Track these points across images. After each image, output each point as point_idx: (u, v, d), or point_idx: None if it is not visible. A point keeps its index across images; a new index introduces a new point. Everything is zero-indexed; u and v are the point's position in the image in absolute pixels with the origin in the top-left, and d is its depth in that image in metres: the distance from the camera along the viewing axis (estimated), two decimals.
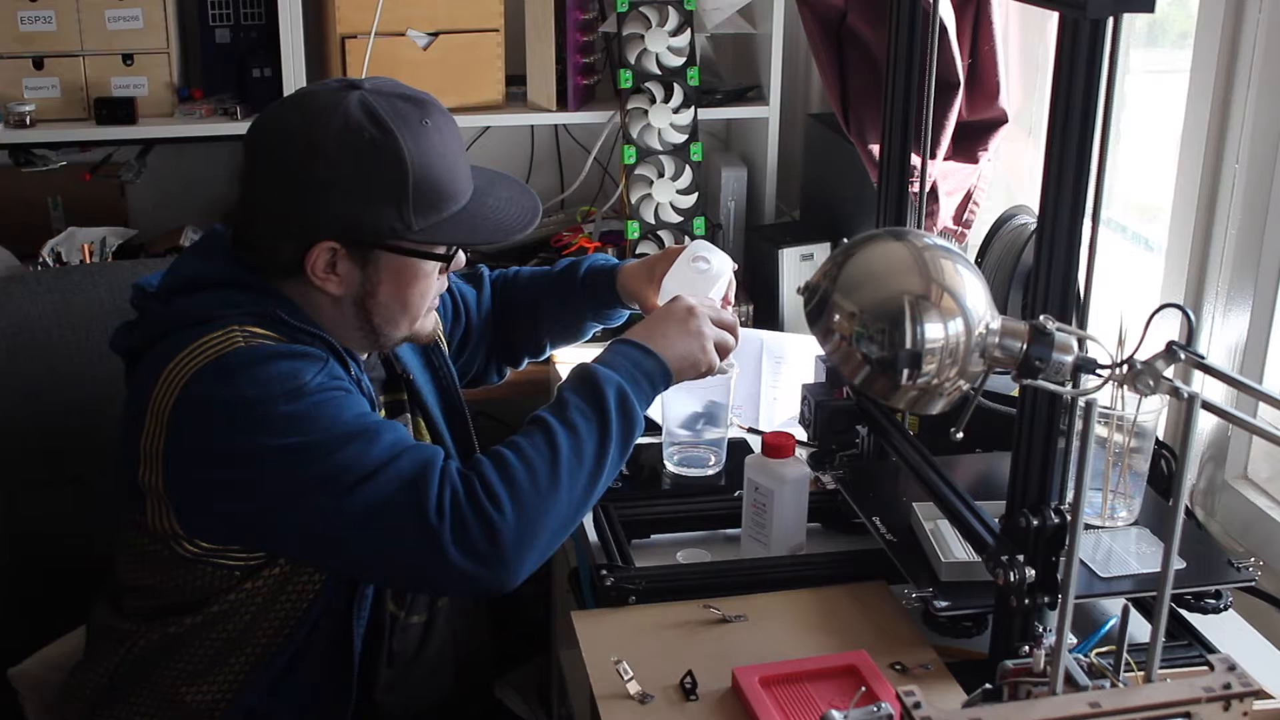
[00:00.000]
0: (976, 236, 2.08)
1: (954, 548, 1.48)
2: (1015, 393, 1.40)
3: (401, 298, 1.48)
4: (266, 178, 1.45)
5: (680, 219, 2.52)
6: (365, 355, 1.60)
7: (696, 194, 2.52)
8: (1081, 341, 1.21)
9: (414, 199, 1.41)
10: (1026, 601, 1.31)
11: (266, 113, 1.48)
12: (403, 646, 1.60)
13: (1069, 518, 1.22)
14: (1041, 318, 1.20)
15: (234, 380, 1.36)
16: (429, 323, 1.56)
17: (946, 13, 2.02)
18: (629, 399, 1.45)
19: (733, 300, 1.75)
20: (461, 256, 1.54)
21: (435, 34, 2.46)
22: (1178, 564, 1.32)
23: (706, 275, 1.69)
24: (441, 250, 1.49)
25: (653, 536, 1.69)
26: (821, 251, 2.42)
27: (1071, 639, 1.07)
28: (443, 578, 1.35)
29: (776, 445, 1.60)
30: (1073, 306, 1.27)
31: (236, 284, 1.46)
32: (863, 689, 1.32)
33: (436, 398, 1.69)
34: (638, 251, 2.50)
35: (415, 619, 1.62)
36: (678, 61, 2.49)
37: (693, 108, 2.51)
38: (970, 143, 2.15)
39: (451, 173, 1.46)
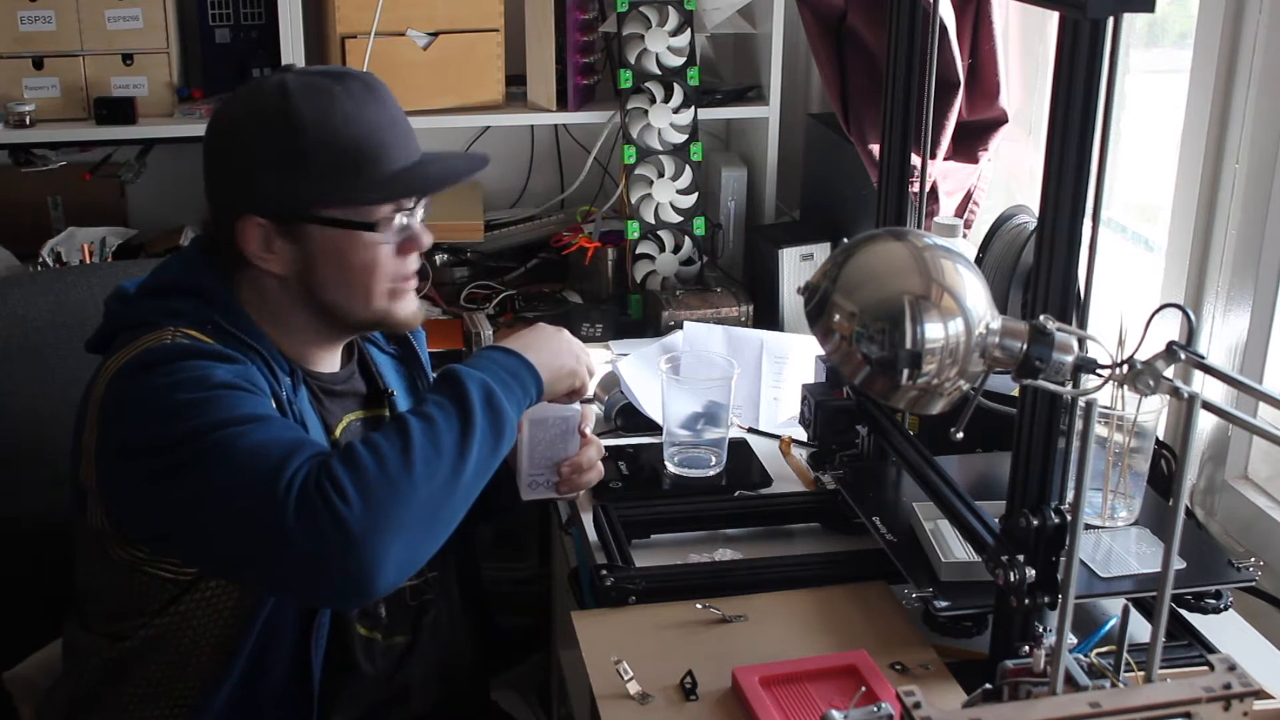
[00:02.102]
0: (976, 236, 2.08)
1: (954, 548, 1.48)
2: (1015, 393, 1.40)
3: (344, 273, 1.46)
4: (207, 171, 1.50)
5: (680, 219, 2.52)
6: (339, 367, 1.59)
7: (696, 194, 2.52)
8: (1081, 341, 1.20)
9: (322, 165, 1.42)
10: (1026, 601, 1.31)
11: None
12: (386, 668, 1.57)
13: (1069, 518, 1.22)
14: (1041, 318, 1.20)
15: (150, 372, 1.37)
16: (402, 308, 1.51)
17: (946, 13, 2.02)
18: (495, 395, 1.38)
19: (590, 428, 1.62)
20: (424, 238, 1.49)
21: (435, 34, 2.46)
22: (1178, 564, 1.32)
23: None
24: (363, 217, 1.45)
25: (653, 536, 1.68)
26: (821, 251, 2.42)
27: (1071, 639, 1.07)
28: (291, 563, 1.26)
29: None
30: (1073, 306, 1.27)
31: (199, 293, 1.47)
32: (863, 689, 1.32)
33: None
34: (638, 251, 2.50)
35: (398, 639, 1.59)
36: (678, 61, 2.49)
37: (693, 108, 2.51)
38: (970, 143, 2.15)
39: (369, 138, 1.44)
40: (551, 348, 1.50)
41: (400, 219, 1.47)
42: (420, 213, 1.50)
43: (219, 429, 1.31)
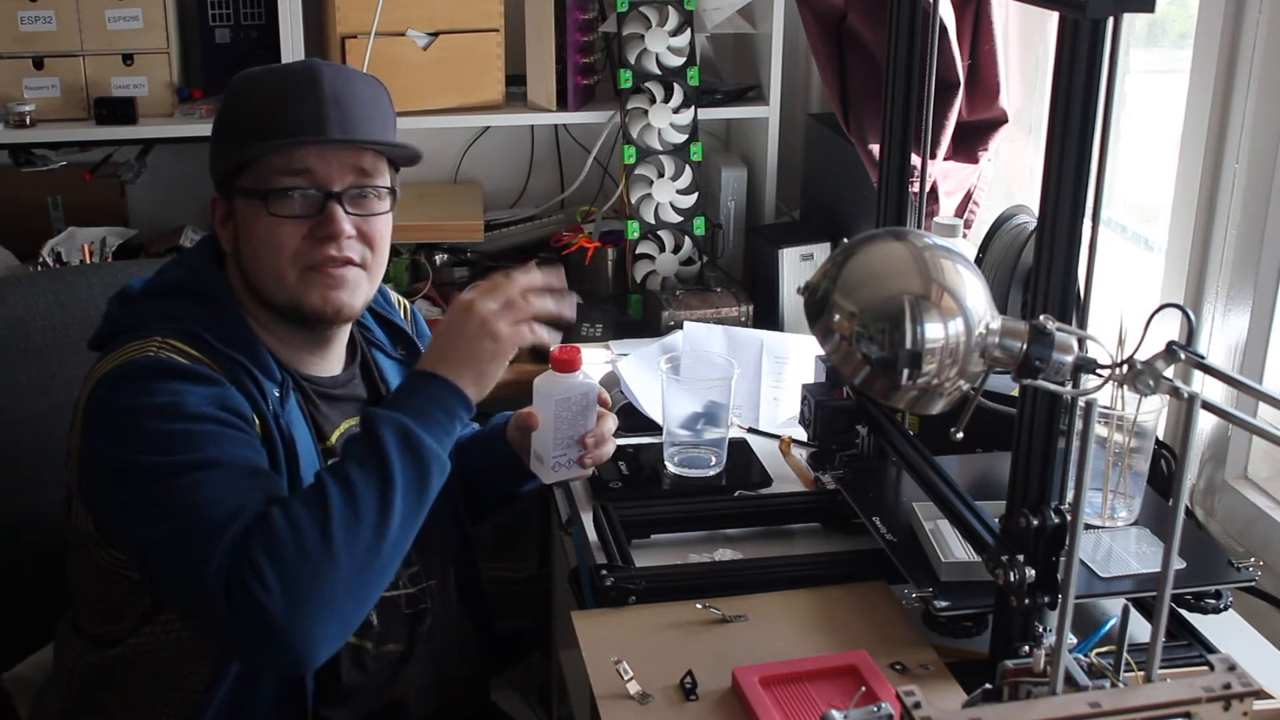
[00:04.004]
0: (976, 236, 2.08)
1: (954, 548, 1.48)
2: (1015, 393, 1.40)
3: (254, 247, 1.46)
4: None
5: (680, 219, 2.52)
6: (340, 370, 1.58)
7: (696, 194, 2.52)
8: (1081, 341, 1.20)
9: (235, 130, 1.47)
10: (1026, 601, 1.31)
11: None
12: (379, 677, 1.56)
13: (1069, 518, 1.22)
14: (1041, 318, 1.20)
15: (127, 387, 1.37)
16: (311, 295, 1.45)
17: (946, 13, 2.02)
18: (413, 435, 1.32)
19: (609, 400, 1.62)
20: (338, 225, 1.43)
21: (435, 34, 2.46)
22: (1178, 564, 1.32)
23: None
24: (263, 185, 1.43)
25: (653, 536, 1.68)
26: (821, 251, 2.42)
27: (1071, 639, 1.07)
28: (230, 639, 1.30)
29: (563, 360, 1.51)
30: (1073, 306, 1.27)
31: (198, 293, 1.47)
32: (863, 689, 1.32)
33: None
34: (638, 251, 2.50)
35: (391, 648, 1.57)
36: (678, 61, 2.49)
37: (693, 108, 2.51)
38: (970, 143, 2.15)
39: (275, 104, 1.44)
40: (465, 339, 1.38)
41: (305, 192, 1.44)
42: (347, 204, 1.45)
43: (174, 476, 1.31)
